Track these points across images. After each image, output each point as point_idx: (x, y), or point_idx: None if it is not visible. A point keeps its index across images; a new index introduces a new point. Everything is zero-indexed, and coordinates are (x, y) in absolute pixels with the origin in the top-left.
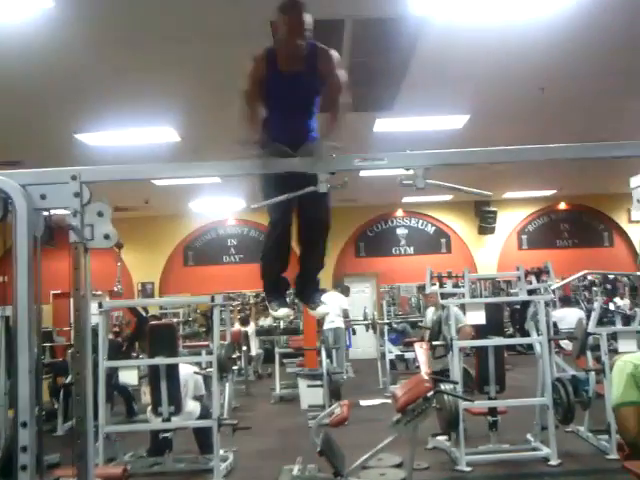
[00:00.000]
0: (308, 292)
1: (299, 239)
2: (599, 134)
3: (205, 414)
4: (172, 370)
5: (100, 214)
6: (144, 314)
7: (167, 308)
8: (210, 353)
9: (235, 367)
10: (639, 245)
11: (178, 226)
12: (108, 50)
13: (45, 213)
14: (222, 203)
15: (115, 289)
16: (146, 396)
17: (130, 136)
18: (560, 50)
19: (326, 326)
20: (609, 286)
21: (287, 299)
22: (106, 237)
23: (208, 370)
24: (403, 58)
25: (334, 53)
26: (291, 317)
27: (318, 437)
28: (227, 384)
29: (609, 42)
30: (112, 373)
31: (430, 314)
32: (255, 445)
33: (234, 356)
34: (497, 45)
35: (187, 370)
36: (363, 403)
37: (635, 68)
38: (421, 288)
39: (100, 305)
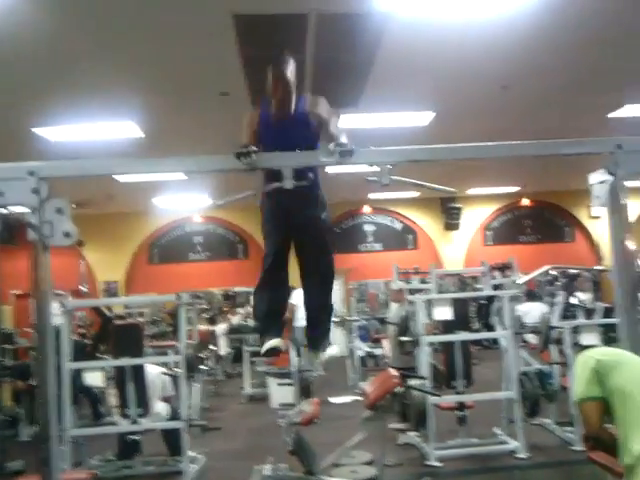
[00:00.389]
0: (314, 337)
1: (303, 283)
2: (561, 131)
3: (174, 415)
4: (138, 371)
5: (59, 211)
6: (108, 314)
7: (132, 307)
8: (177, 353)
9: (204, 367)
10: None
11: (143, 223)
12: (68, 42)
13: (3, 211)
14: (188, 200)
15: (81, 288)
16: (113, 398)
17: (91, 131)
18: (522, 47)
19: (296, 323)
20: (564, 280)
21: (277, 335)
22: (66, 235)
23: (176, 370)
24: (368, 54)
25: (323, 99)
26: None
27: (289, 436)
28: (196, 384)
29: (571, 39)
30: (77, 375)
31: (394, 310)
32: (225, 445)
33: (202, 356)
34: (461, 42)
35: (154, 371)
36: (333, 400)
37: (597, 65)
38: (389, 284)
39: (63, 305)
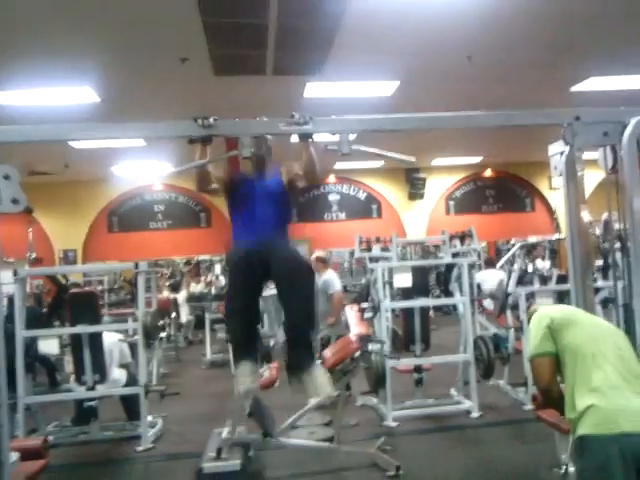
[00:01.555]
0: (293, 361)
1: (283, 308)
2: (525, 103)
3: (132, 381)
4: (95, 338)
5: (7, 177)
6: (64, 282)
7: (92, 276)
8: (136, 321)
9: (164, 334)
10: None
11: (101, 191)
12: (22, 2)
13: None
14: (148, 167)
15: (28, 256)
16: (69, 365)
17: (45, 95)
18: (487, 18)
19: (265, 292)
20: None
21: (254, 359)
22: (14, 201)
23: (134, 338)
24: (332, 21)
25: (292, 165)
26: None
27: (247, 400)
28: (155, 351)
29: (535, 11)
30: (32, 343)
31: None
32: (185, 410)
33: (160, 323)
34: (426, 11)
35: (112, 338)
36: None
37: (562, 37)
38: (352, 253)
39: (15, 273)
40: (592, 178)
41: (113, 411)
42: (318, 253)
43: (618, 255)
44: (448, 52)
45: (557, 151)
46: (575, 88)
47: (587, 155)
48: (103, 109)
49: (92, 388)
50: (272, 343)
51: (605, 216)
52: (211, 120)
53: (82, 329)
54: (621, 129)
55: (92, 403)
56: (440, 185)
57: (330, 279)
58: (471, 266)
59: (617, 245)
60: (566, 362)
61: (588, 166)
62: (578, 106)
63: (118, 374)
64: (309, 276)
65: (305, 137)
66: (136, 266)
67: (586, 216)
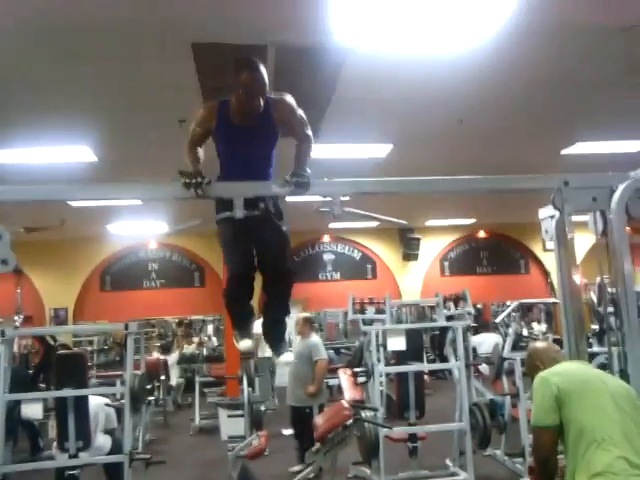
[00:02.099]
0: (271, 337)
1: (263, 286)
2: (516, 166)
3: (116, 448)
4: (81, 402)
5: None
6: (52, 342)
7: (82, 336)
8: (124, 384)
9: (152, 398)
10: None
11: (95, 249)
12: (24, 65)
13: None
14: (143, 226)
15: (15, 318)
16: (53, 430)
17: (41, 154)
18: (477, 83)
19: (261, 354)
20: (520, 311)
21: (250, 331)
22: (3, 262)
23: (120, 402)
24: (327, 87)
25: (288, 98)
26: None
27: (235, 470)
28: (142, 416)
29: (524, 78)
30: (15, 406)
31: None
32: None
33: (149, 387)
34: (418, 77)
35: (98, 402)
36: (286, 432)
37: (549, 103)
38: (346, 314)
39: (2, 333)
40: (586, 240)
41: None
42: (305, 314)
43: (613, 320)
44: (440, 116)
45: (547, 215)
46: (565, 151)
47: (581, 217)
48: (100, 168)
49: (75, 456)
50: (263, 408)
51: (599, 279)
52: (203, 186)
53: (67, 393)
54: (609, 194)
55: (74, 472)
56: (434, 246)
57: (316, 344)
58: (466, 329)
59: (611, 309)
60: (569, 434)
61: (582, 228)
62: (568, 168)
63: (102, 440)
64: (290, 271)
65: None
66: (126, 327)
67: (578, 279)
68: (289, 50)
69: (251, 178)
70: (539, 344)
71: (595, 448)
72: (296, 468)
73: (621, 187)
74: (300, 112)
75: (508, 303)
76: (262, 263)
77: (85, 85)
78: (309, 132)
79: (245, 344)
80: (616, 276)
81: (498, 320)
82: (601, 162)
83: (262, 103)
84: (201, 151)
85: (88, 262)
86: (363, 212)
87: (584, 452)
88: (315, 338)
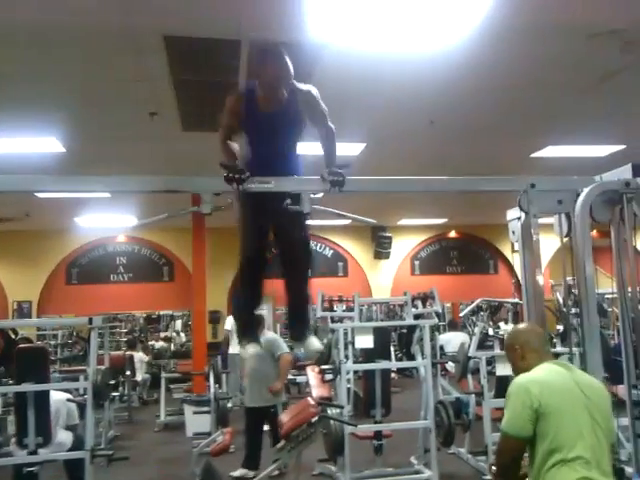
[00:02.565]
0: (295, 329)
1: (282, 273)
2: (487, 167)
3: (78, 445)
4: (42, 397)
5: None
6: (13, 336)
7: (46, 330)
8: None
9: (116, 393)
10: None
11: (62, 241)
12: None
13: None
14: (112, 219)
15: None
16: (12, 426)
17: (7, 144)
18: (449, 85)
19: (232, 350)
20: (487, 311)
21: (257, 336)
22: None
23: (83, 397)
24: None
25: (313, 90)
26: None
27: (198, 466)
28: (106, 412)
29: (494, 80)
30: None
31: None
32: (133, 476)
33: (112, 382)
34: (392, 76)
35: (59, 397)
36: None
37: (520, 106)
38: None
39: None
40: (555, 242)
41: (56, 477)
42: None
43: (576, 320)
44: (412, 116)
45: (514, 216)
46: (535, 154)
47: (550, 219)
48: (68, 160)
49: (34, 452)
50: (230, 405)
51: (565, 281)
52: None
53: (27, 388)
54: (574, 197)
55: (33, 469)
56: (406, 245)
57: (275, 339)
58: (435, 328)
59: (575, 310)
60: (539, 450)
61: (550, 230)
62: (538, 171)
63: (64, 436)
64: (310, 251)
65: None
66: (90, 321)
67: (541, 280)
68: (262, 45)
69: (281, 165)
70: (522, 326)
71: (561, 465)
72: (237, 473)
73: (586, 190)
74: (324, 105)
75: (479, 300)
76: (284, 246)
77: (53, 76)
78: (332, 125)
79: (253, 349)
80: (578, 278)
81: (462, 315)
82: (571, 166)
83: (287, 90)
84: (235, 145)
85: (54, 255)
86: (332, 210)
87: (550, 467)
88: (271, 334)
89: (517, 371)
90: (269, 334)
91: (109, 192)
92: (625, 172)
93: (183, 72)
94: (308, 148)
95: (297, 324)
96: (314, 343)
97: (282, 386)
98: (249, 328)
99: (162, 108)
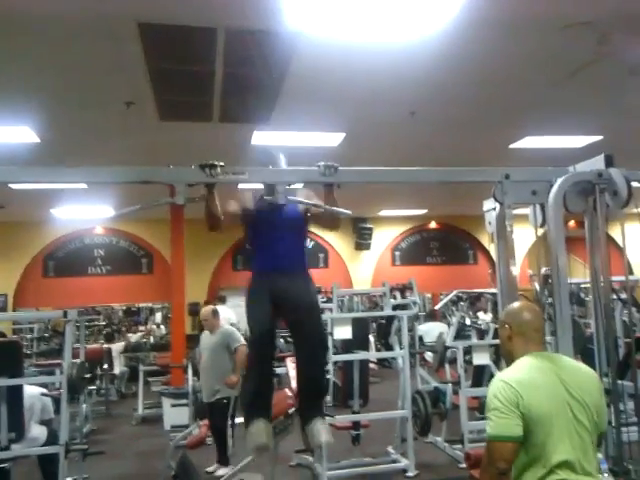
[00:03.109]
0: (308, 413)
1: (295, 355)
2: (467, 158)
3: (52, 440)
4: (15, 392)
5: None
6: None
7: (22, 323)
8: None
9: (93, 387)
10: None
11: (38, 233)
12: None
13: None
14: (89, 210)
15: None
16: None
17: None
18: (429, 76)
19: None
20: (467, 301)
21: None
22: None
23: (58, 392)
24: (278, 72)
25: (307, 192)
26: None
27: (174, 459)
28: (82, 406)
29: (474, 71)
30: None
31: None
32: (109, 470)
33: (88, 376)
34: (371, 66)
35: (34, 392)
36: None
37: (499, 98)
38: None
39: None
40: (533, 232)
41: (30, 473)
42: (210, 307)
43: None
44: (392, 107)
45: (490, 207)
46: (513, 145)
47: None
48: (42, 150)
49: (6, 448)
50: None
51: (544, 270)
52: (218, 170)
53: (1, 382)
54: (549, 188)
55: (5, 465)
56: (386, 236)
57: (232, 332)
58: (415, 318)
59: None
60: (522, 456)
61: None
62: (516, 162)
63: (38, 431)
64: (325, 336)
65: (329, 185)
66: (65, 314)
67: (515, 271)
68: (239, 33)
69: (285, 264)
70: (516, 304)
71: (543, 468)
72: (211, 468)
73: (559, 181)
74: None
75: (454, 292)
76: (297, 331)
77: (26, 64)
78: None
79: (263, 440)
80: (551, 268)
81: (437, 307)
82: (549, 156)
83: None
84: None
85: (30, 247)
86: (306, 201)
87: (530, 469)
88: (228, 327)
89: (503, 351)
90: (226, 327)
91: (81, 183)
92: (598, 163)
93: (159, 61)
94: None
95: (307, 405)
96: (322, 435)
97: (238, 379)
98: (263, 403)
99: (138, 98)
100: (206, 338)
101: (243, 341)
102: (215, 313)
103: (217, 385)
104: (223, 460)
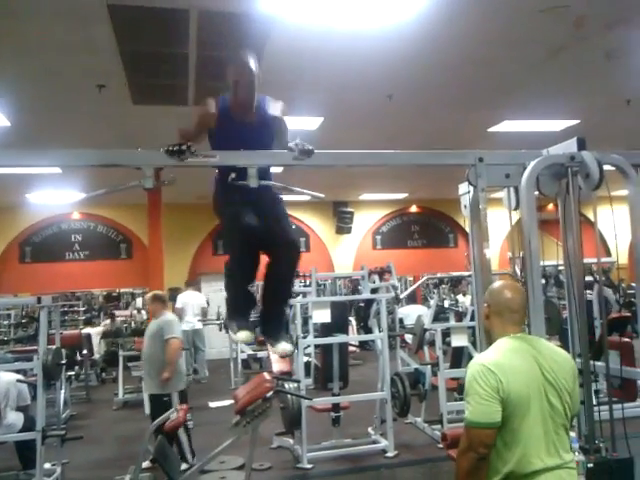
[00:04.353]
0: (271, 323)
1: (267, 267)
2: (444, 141)
3: (29, 425)
4: None
5: None
6: None
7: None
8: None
9: (72, 372)
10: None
11: (13, 219)
12: None
13: None
14: (64, 195)
15: None
16: None
17: None
18: (406, 60)
19: (185, 327)
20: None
21: (249, 321)
22: None
23: (33, 378)
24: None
25: (281, 104)
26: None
27: (152, 444)
28: (59, 391)
29: (451, 55)
30: None
31: None
32: (89, 455)
33: (64, 362)
34: (347, 50)
35: (9, 378)
36: (213, 405)
37: (476, 81)
38: None
39: None
40: (513, 214)
41: (7, 459)
42: (156, 292)
43: None
44: (370, 91)
45: (465, 191)
46: (492, 129)
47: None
48: (13, 133)
49: None
50: (188, 382)
51: (522, 253)
52: (187, 154)
53: None
54: (522, 171)
55: None
56: (367, 220)
57: (168, 321)
58: (397, 301)
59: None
60: (500, 441)
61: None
62: (495, 145)
63: (14, 417)
64: (297, 249)
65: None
66: (39, 300)
67: (488, 253)
68: (212, 15)
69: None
70: (497, 284)
71: (516, 453)
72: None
73: (532, 164)
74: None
75: (439, 275)
76: (268, 238)
77: None
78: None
79: (241, 335)
80: (524, 251)
81: (402, 296)
82: (527, 140)
83: (255, 98)
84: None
85: (6, 233)
86: (280, 184)
87: (503, 455)
88: (169, 316)
89: (483, 329)
90: (167, 316)
91: (54, 167)
92: (571, 146)
93: (130, 43)
94: None
95: (272, 320)
96: (285, 347)
97: (171, 373)
98: (241, 310)
99: (110, 80)
100: (150, 325)
101: (177, 333)
102: (156, 298)
103: (156, 378)
104: (184, 459)
